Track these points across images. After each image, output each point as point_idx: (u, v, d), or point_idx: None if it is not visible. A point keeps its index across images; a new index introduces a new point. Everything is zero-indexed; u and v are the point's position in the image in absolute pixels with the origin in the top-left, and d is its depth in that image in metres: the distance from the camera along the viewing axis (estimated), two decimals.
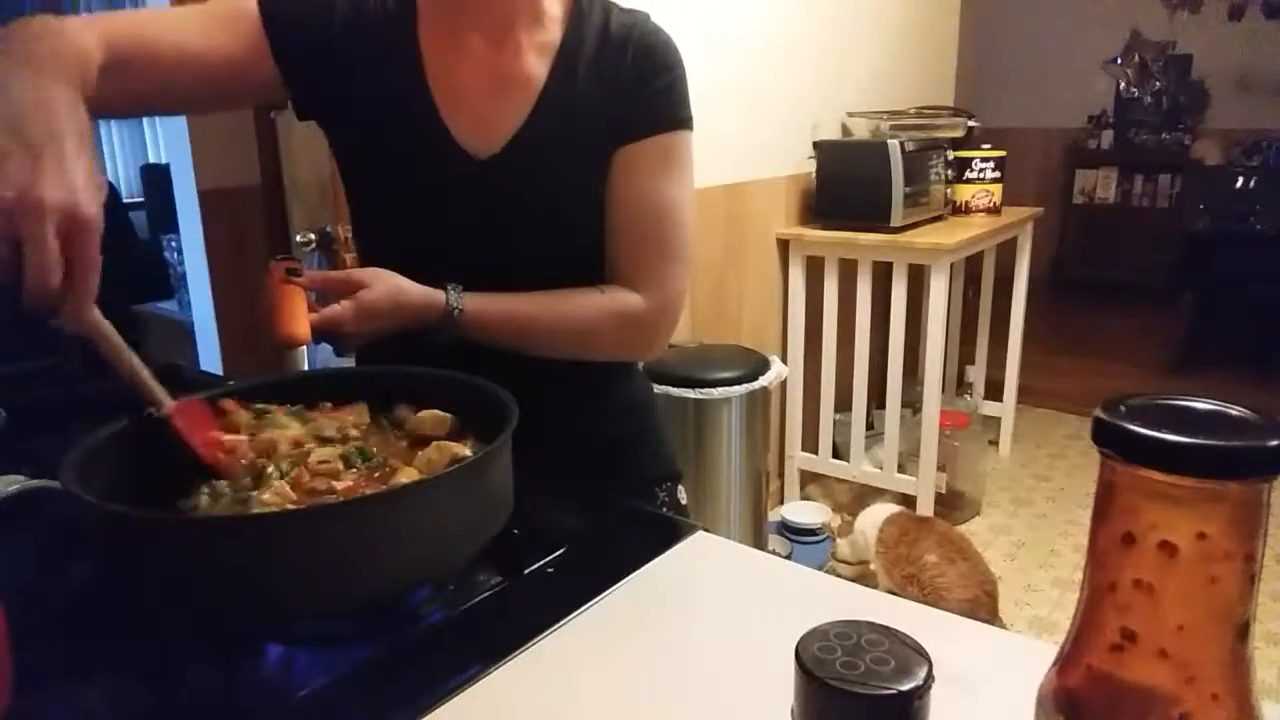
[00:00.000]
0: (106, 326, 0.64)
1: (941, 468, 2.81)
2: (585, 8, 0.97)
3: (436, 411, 0.74)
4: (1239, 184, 4.78)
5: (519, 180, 0.94)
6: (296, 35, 0.92)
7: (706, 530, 0.78)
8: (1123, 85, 5.60)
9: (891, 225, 2.69)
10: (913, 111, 3.06)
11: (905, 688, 0.36)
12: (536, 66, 0.94)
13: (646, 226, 0.96)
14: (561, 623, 0.64)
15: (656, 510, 1.06)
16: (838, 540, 2.56)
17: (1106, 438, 0.31)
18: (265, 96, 0.97)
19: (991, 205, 3.09)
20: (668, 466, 1.12)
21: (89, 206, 0.62)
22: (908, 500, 2.81)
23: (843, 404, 2.96)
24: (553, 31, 0.96)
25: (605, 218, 0.96)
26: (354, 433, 0.73)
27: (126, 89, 0.84)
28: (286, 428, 0.72)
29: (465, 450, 0.69)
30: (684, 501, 1.12)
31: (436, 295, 0.89)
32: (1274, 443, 0.29)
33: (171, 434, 0.67)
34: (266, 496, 0.63)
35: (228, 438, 0.69)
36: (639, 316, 0.96)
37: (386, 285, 0.88)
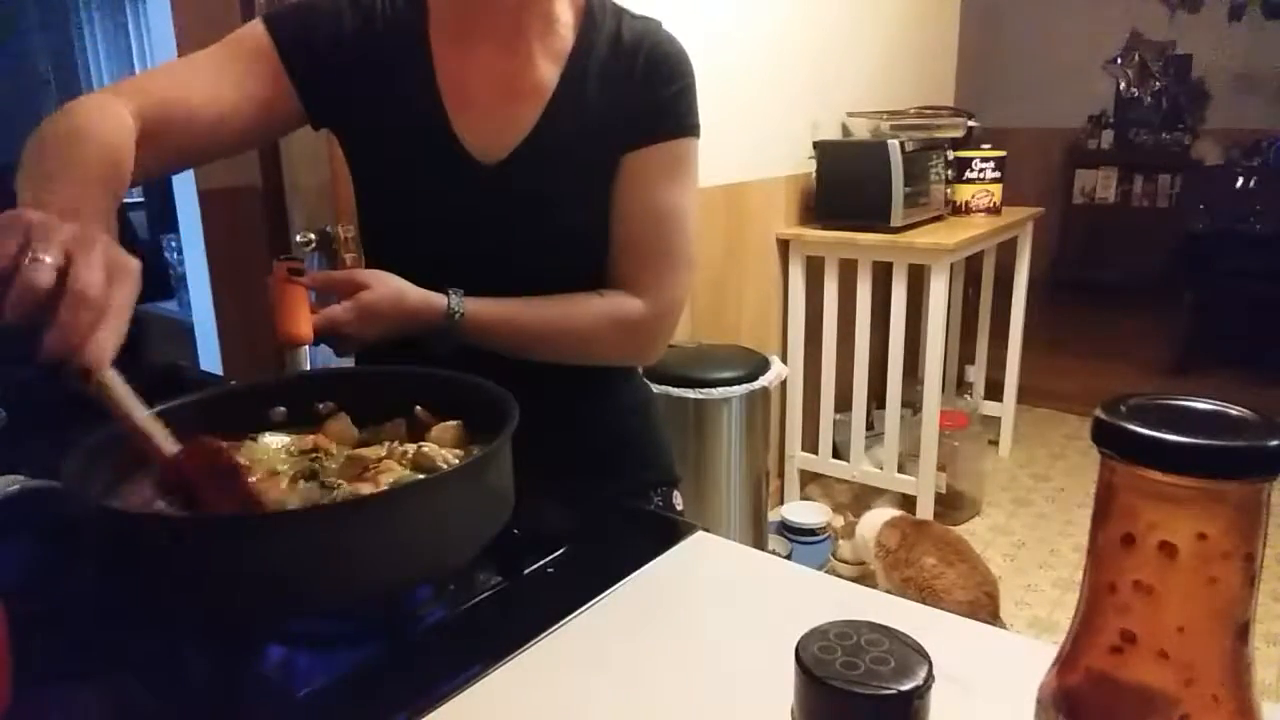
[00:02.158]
0: (117, 380, 0.57)
1: (941, 468, 2.81)
2: (597, 14, 0.97)
3: (452, 427, 0.73)
4: (1239, 184, 4.77)
5: (524, 185, 0.93)
6: (307, 49, 0.92)
7: (706, 530, 0.78)
8: (1123, 85, 5.60)
9: (891, 225, 2.69)
10: (913, 111, 3.06)
11: (905, 688, 0.36)
12: (547, 73, 0.94)
13: (650, 232, 0.96)
14: (561, 623, 0.64)
15: (656, 510, 1.05)
16: (839, 542, 2.56)
17: (1106, 438, 0.31)
18: (296, 124, 0.96)
19: (991, 205, 3.09)
20: (665, 470, 1.11)
21: (124, 254, 0.56)
22: (908, 500, 2.81)
23: (843, 404, 2.95)
24: (565, 38, 0.96)
25: (609, 222, 0.96)
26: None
27: (165, 152, 0.85)
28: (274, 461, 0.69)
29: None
30: (679, 507, 1.11)
31: (437, 299, 0.89)
32: (1274, 443, 0.29)
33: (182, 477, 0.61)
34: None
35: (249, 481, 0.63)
36: (638, 322, 0.96)
37: (388, 287, 0.88)
